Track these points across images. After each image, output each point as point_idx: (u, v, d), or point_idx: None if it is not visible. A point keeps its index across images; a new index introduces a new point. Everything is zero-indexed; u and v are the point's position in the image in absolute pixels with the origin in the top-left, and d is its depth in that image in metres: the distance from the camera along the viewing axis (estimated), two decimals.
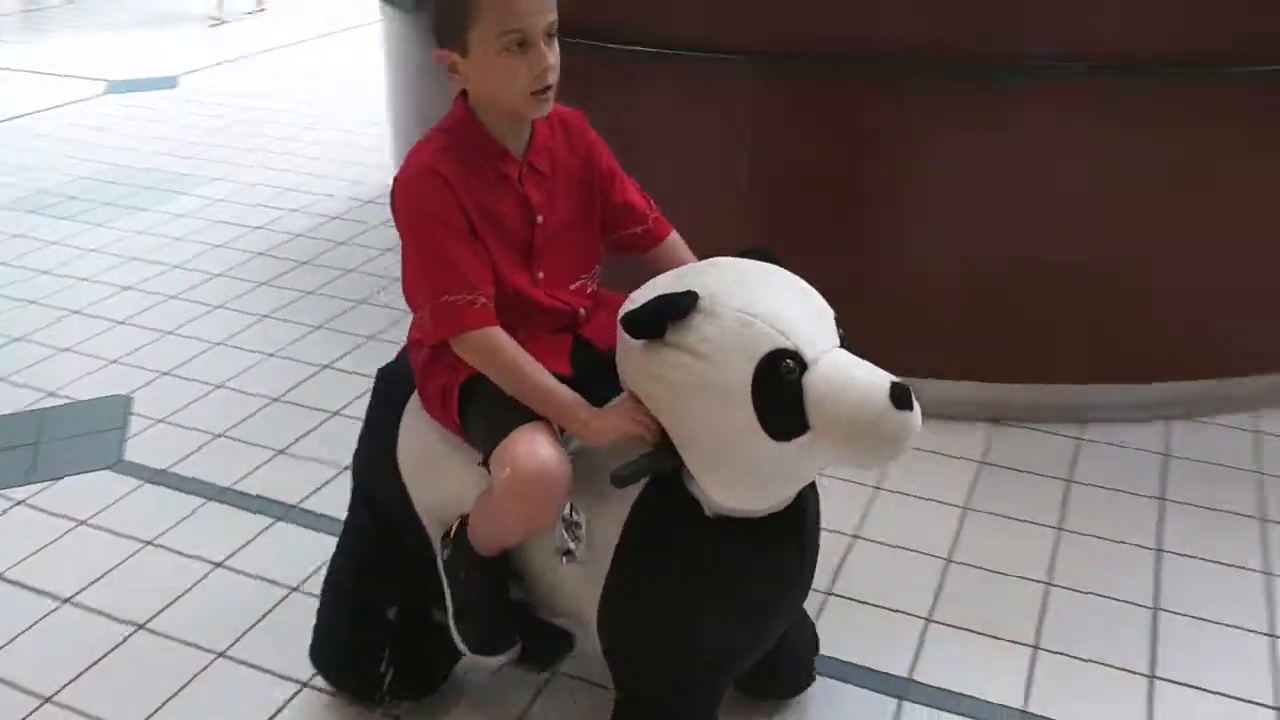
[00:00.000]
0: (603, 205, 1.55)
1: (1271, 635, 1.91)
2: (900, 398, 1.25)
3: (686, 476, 1.37)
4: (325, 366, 2.90)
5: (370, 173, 4.40)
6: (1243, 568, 2.08)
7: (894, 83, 2.35)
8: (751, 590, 1.43)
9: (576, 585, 1.48)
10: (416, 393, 1.56)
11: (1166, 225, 2.39)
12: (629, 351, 1.36)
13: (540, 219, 1.47)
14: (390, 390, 1.63)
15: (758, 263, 1.39)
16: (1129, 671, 1.83)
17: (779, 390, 1.27)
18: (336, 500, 2.05)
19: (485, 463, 1.41)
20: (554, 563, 1.46)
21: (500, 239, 1.43)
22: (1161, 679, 1.81)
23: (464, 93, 1.44)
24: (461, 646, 1.56)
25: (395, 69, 3.77)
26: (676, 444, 1.33)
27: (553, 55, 1.37)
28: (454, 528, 1.52)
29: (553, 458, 1.34)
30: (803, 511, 1.45)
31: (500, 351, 1.39)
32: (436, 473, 1.56)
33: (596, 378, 1.42)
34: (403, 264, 1.45)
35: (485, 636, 1.55)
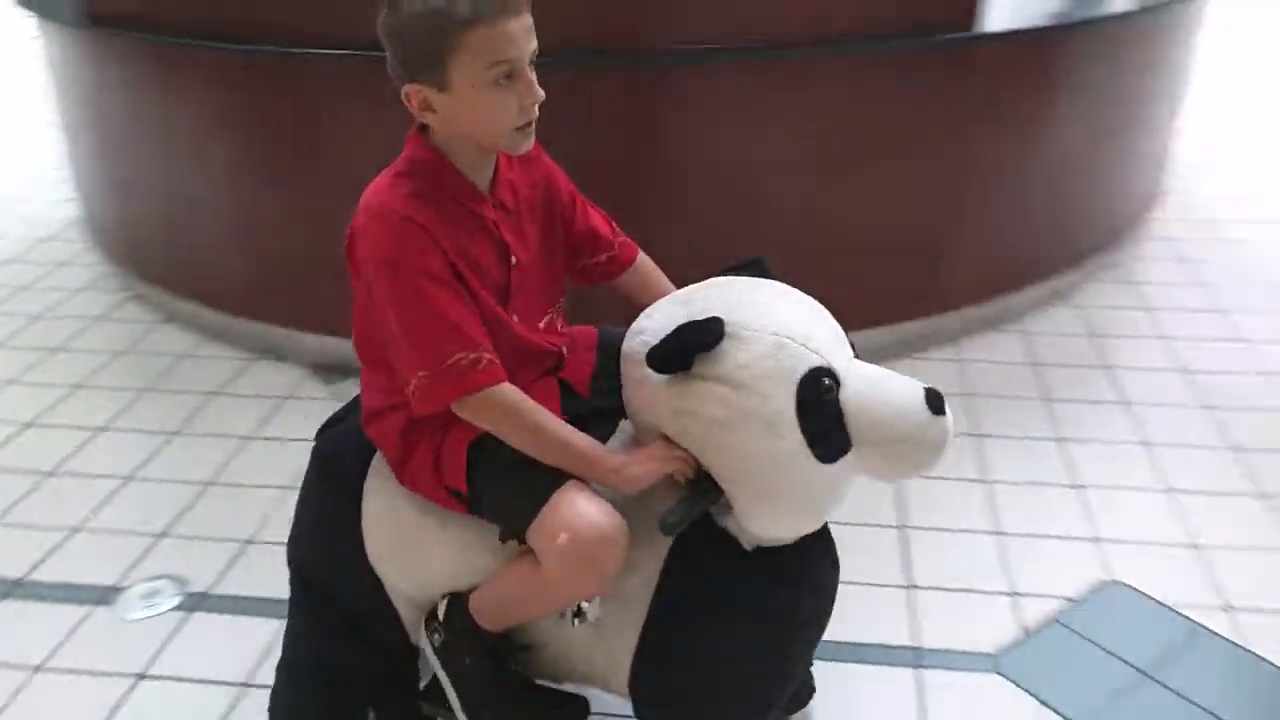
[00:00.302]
0: (566, 234, 1.43)
1: (998, 534, 2.15)
2: (935, 403, 1.20)
3: (719, 512, 1.27)
4: (28, 425, 2.57)
5: (42, 208, 3.97)
6: (963, 479, 2.33)
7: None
8: (802, 617, 1.34)
9: (590, 646, 1.36)
10: (380, 465, 1.38)
11: (833, 191, 2.59)
12: (649, 389, 1.24)
13: (514, 259, 1.33)
14: (338, 463, 1.43)
15: (760, 279, 1.30)
16: (890, 586, 2.00)
17: (822, 411, 1.20)
18: (74, 568, 1.81)
19: (512, 535, 1.28)
20: (560, 627, 1.33)
21: (483, 284, 1.28)
22: (917, 587, 2.00)
23: (421, 128, 1.28)
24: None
25: (66, 93, 3.39)
26: (720, 479, 1.23)
27: (538, 88, 1.23)
28: (441, 609, 1.36)
29: (610, 517, 1.21)
30: (825, 524, 1.36)
31: (520, 408, 1.24)
32: (418, 553, 1.38)
33: (584, 423, 1.29)
34: (385, 324, 1.25)
35: (525, 713, 1.39)
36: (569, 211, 1.43)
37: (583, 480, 1.25)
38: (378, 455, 1.41)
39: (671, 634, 1.30)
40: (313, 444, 1.49)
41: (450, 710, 1.41)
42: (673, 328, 1.22)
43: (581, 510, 1.22)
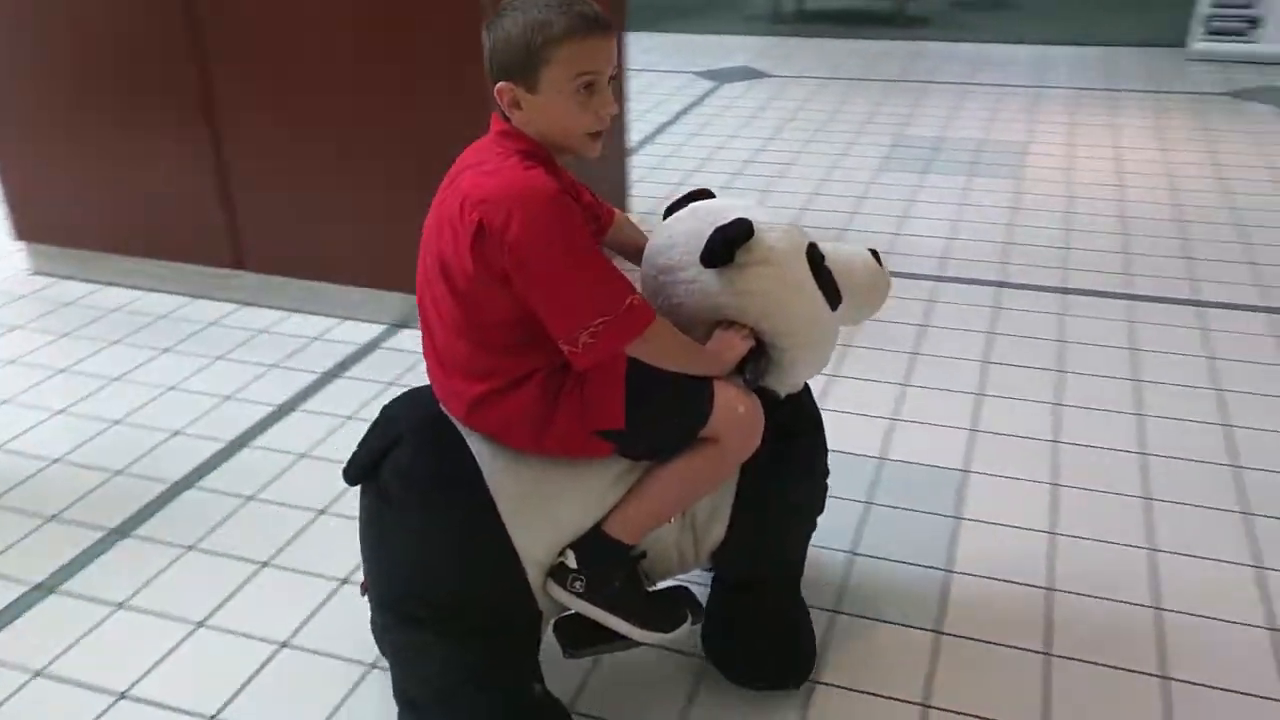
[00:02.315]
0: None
1: None
2: (878, 259, 1.70)
3: (759, 372, 1.58)
4: None
5: None
6: None
7: None
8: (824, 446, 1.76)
9: (678, 538, 1.64)
10: (489, 456, 1.48)
11: None
12: (700, 286, 1.56)
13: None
14: (444, 479, 1.48)
15: (722, 197, 1.69)
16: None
17: (823, 272, 1.60)
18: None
19: (681, 436, 1.52)
20: (658, 531, 1.60)
21: None
22: None
23: (505, 127, 1.45)
24: (658, 637, 1.60)
25: None
26: (778, 338, 1.58)
27: (614, 102, 1.43)
28: (570, 559, 1.52)
29: (748, 393, 1.56)
30: None
31: (675, 331, 1.51)
32: (557, 513, 1.52)
33: None
34: (555, 288, 1.38)
35: (669, 611, 1.63)
36: (579, 192, 1.63)
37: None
38: (478, 451, 1.49)
39: (759, 487, 1.62)
40: (374, 487, 1.52)
41: (599, 646, 1.62)
42: (699, 237, 1.54)
43: (735, 393, 1.54)
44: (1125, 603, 2.02)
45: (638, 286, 1.49)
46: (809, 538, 1.81)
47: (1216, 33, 6.17)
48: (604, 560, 1.53)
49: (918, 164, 4.61)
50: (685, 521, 1.64)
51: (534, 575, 1.52)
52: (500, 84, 1.40)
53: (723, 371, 1.54)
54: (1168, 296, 3.29)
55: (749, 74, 6.33)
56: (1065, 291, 3.36)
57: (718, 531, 1.65)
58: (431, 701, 1.53)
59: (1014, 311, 3.23)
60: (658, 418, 1.50)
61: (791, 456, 1.66)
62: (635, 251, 1.72)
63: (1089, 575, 2.10)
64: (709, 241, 1.52)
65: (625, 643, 1.61)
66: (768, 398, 1.61)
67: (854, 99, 5.70)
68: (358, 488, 1.58)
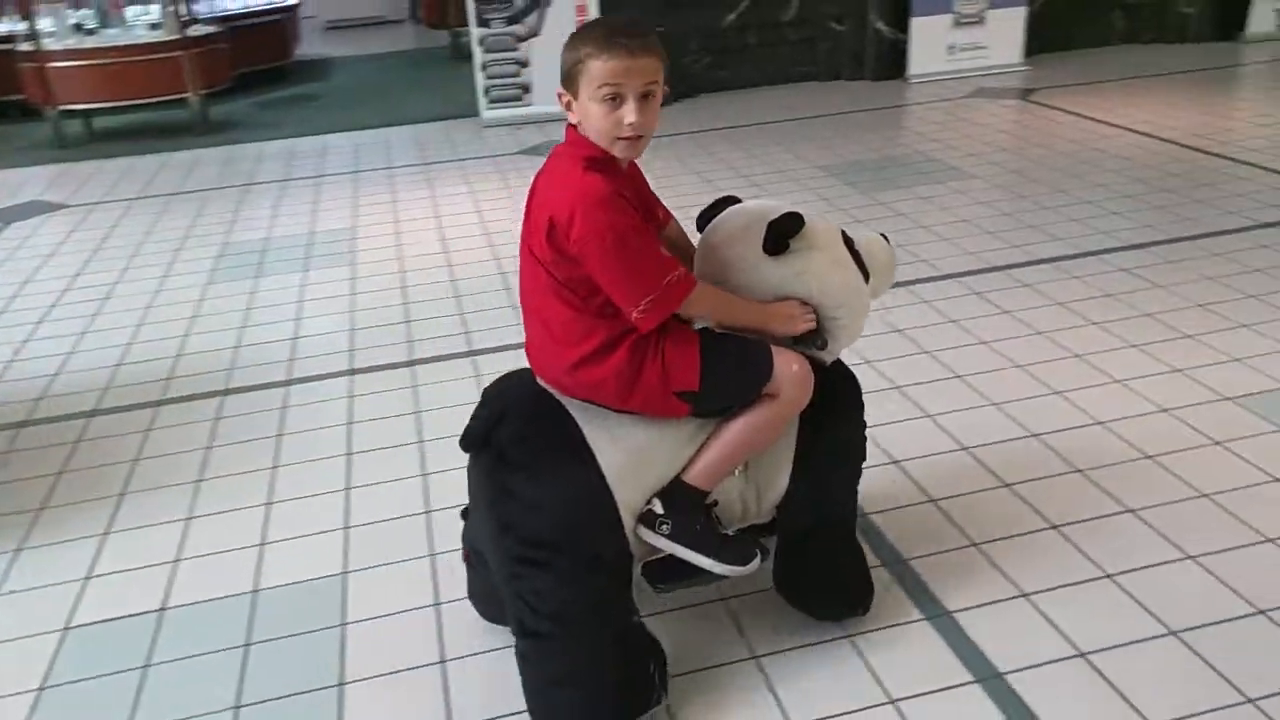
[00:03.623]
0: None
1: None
2: (887, 240, 2.05)
3: (824, 341, 1.90)
4: None
5: None
6: None
7: None
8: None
9: (743, 491, 1.93)
10: (587, 419, 1.79)
11: None
12: (761, 271, 1.85)
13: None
14: (557, 440, 1.78)
15: (753, 199, 2.00)
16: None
17: (855, 252, 1.94)
18: None
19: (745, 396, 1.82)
20: (724, 483, 1.90)
21: None
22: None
23: (573, 128, 1.75)
24: (736, 570, 1.88)
25: None
26: (831, 310, 1.88)
27: (640, 113, 1.69)
28: (657, 505, 1.82)
29: (800, 355, 1.86)
30: None
31: (716, 291, 1.83)
32: (647, 465, 1.81)
33: None
34: (611, 276, 1.69)
35: (742, 549, 1.90)
36: (653, 204, 1.96)
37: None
38: (578, 418, 1.79)
39: (816, 448, 1.93)
40: (490, 454, 1.79)
41: (682, 581, 1.93)
42: (755, 232, 1.84)
43: (790, 355, 1.83)
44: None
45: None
46: (858, 484, 2.09)
47: (498, 101, 6.96)
48: (685, 506, 1.83)
49: (250, 269, 4.45)
50: (748, 477, 1.93)
51: (628, 521, 1.81)
52: (560, 89, 1.74)
53: (770, 323, 1.85)
54: (506, 345, 3.55)
55: (42, 208, 5.61)
56: (413, 364, 3.46)
57: (781, 484, 1.94)
58: (553, 632, 1.78)
59: (369, 396, 3.24)
60: (726, 379, 1.81)
61: (837, 410, 1.96)
62: (684, 255, 1.96)
63: (484, 634, 2.14)
64: (768, 233, 1.83)
65: (705, 577, 1.91)
66: (815, 363, 1.88)
67: (171, 214, 5.35)
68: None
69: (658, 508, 1.82)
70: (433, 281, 4.19)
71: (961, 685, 1.96)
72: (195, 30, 7.44)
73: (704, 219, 1.99)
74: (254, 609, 2.28)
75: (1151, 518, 2.39)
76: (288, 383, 3.36)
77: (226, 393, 3.32)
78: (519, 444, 1.77)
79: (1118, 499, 2.47)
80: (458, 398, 3.16)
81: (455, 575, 2.32)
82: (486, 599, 2.08)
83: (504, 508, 1.77)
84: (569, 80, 1.71)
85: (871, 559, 2.29)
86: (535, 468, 1.76)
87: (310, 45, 10.80)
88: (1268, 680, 1.92)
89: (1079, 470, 2.59)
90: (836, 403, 1.96)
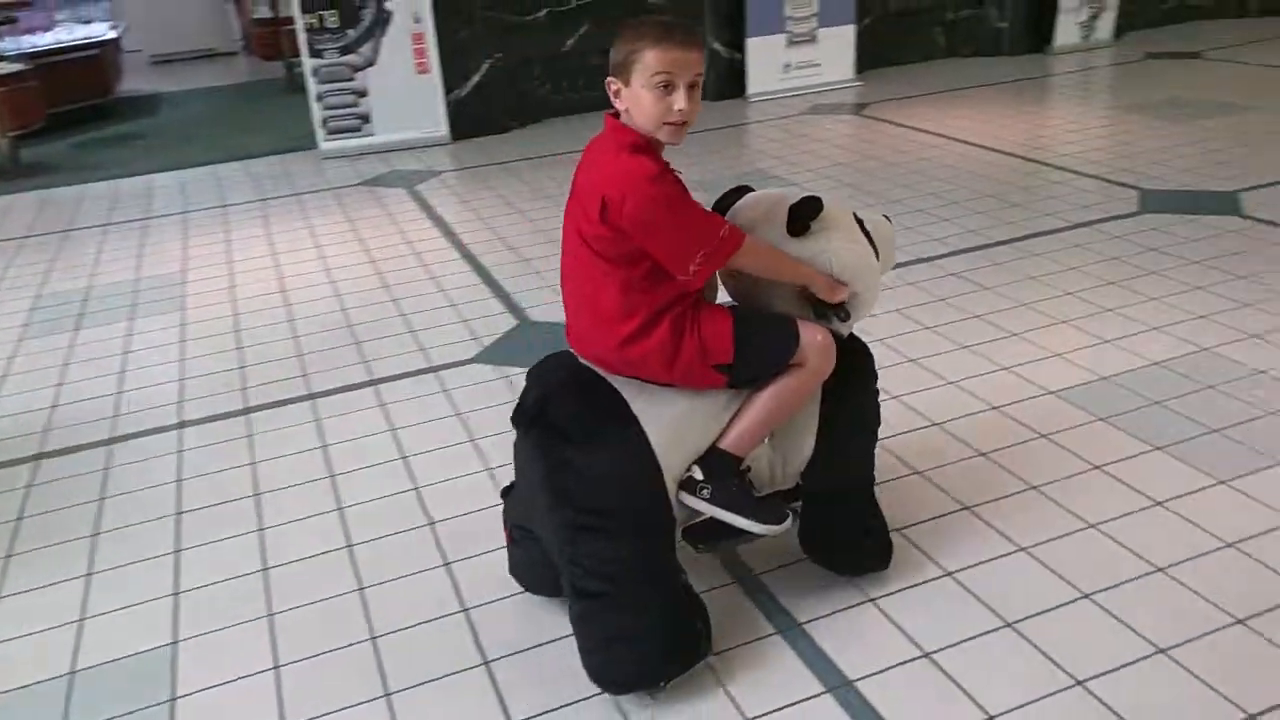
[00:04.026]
0: None
1: None
2: (889, 220, 2.20)
3: (848, 314, 2.04)
4: None
5: None
6: None
7: None
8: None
9: (769, 459, 2.08)
10: (632, 392, 1.94)
11: None
12: (784, 251, 2.00)
13: None
14: (605, 416, 1.93)
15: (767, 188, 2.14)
16: None
17: (867, 233, 2.08)
18: None
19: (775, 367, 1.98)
20: (753, 455, 2.05)
21: None
22: None
23: (616, 115, 1.93)
24: (771, 529, 2.02)
25: None
26: (851, 285, 2.02)
27: (689, 101, 1.85)
28: (697, 471, 1.97)
29: (822, 326, 2.03)
30: None
31: (764, 244, 1.99)
32: (688, 434, 1.96)
33: None
34: (665, 239, 1.86)
35: (775, 510, 2.04)
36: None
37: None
38: (622, 389, 1.94)
39: (836, 410, 2.07)
40: (542, 429, 1.92)
41: (722, 542, 2.14)
42: (778, 217, 2.01)
43: (814, 326, 1.99)
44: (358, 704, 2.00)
45: None
46: (874, 449, 2.25)
47: (336, 132, 6.77)
48: (723, 471, 1.98)
49: (69, 320, 4.17)
50: (775, 445, 2.08)
51: (671, 487, 1.96)
52: (610, 79, 1.88)
53: (814, 282, 1.99)
54: (349, 384, 3.43)
55: None
56: (248, 412, 3.29)
57: (806, 451, 2.09)
58: (608, 592, 1.91)
59: (200, 450, 3.06)
60: (758, 351, 1.96)
61: (854, 380, 2.11)
62: None
63: (323, 691, 2.04)
64: (791, 216, 1.99)
65: (742, 538, 2.07)
66: (834, 336, 2.02)
67: None
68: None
69: (697, 474, 1.98)
70: (269, 324, 4.02)
71: (814, 697, 1.97)
72: (1, 68, 6.97)
73: (719, 209, 2.11)
74: (71, 691, 2.10)
75: (986, 514, 2.48)
76: (110, 441, 3.14)
77: (40, 457, 3.08)
78: (574, 418, 1.92)
79: (955, 497, 2.56)
80: (298, 444, 3.03)
81: (293, 635, 2.21)
82: (530, 572, 2.23)
83: (560, 478, 1.90)
84: (622, 69, 1.87)
85: (726, 578, 2.30)
86: (590, 439, 1.90)
87: (135, 81, 10.30)
88: (1095, 661, 2.01)
89: (918, 472, 2.67)
90: (854, 373, 2.12)
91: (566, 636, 2.07)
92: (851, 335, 2.14)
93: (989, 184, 5.16)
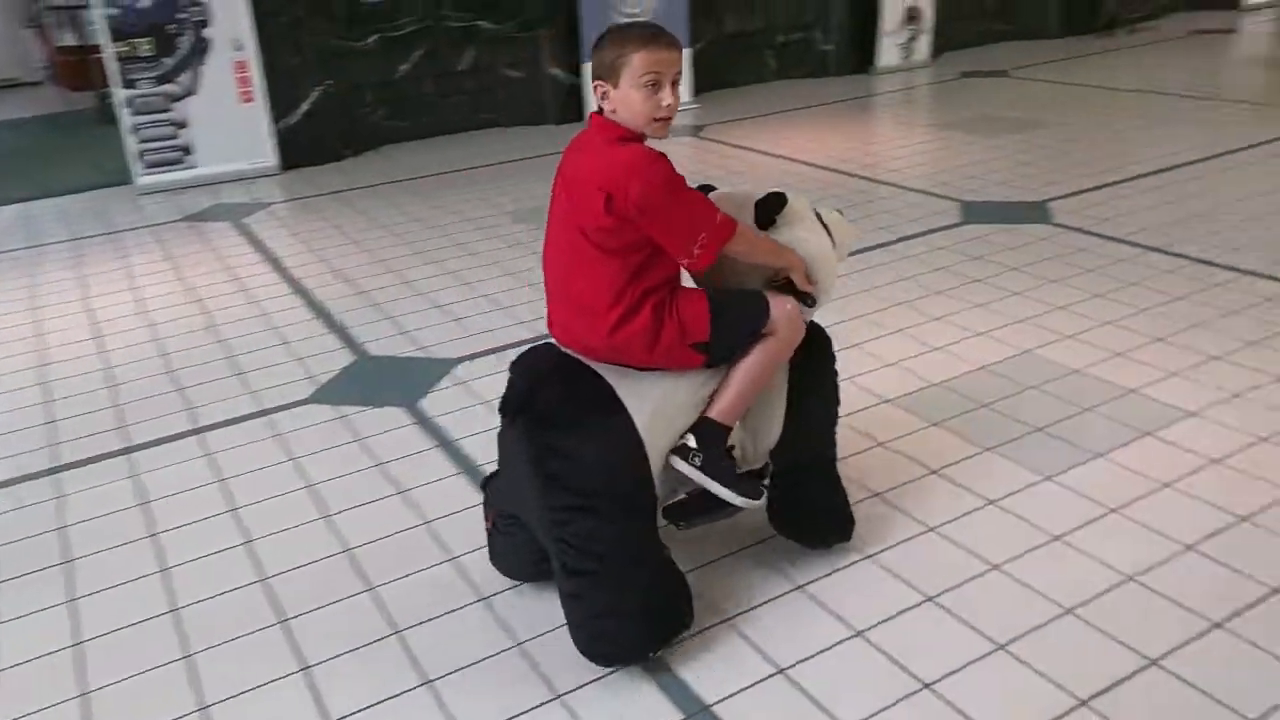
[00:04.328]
0: None
1: None
2: (842, 214, 2.35)
3: (814, 299, 2.23)
4: None
5: None
6: None
7: None
8: None
9: (744, 439, 2.24)
10: (615, 378, 2.05)
11: None
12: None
13: None
14: (589, 405, 2.02)
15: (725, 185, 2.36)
16: None
17: (822, 221, 2.25)
18: None
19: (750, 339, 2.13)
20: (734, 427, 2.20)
21: None
22: None
23: (599, 112, 2.06)
24: (750, 503, 2.16)
25: None
26: (812, 275, 2.20)
27: (673, 96, 2.00)
28: (690, 440, 2.10)
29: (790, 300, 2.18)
30: None
31: (751, 231, 2.14)
32: (670, 412, 2.08)
33: None
34: (670, 222, 1.99)
35: (754, 486, 2.19)
36: None
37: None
38: (605, 375, 2.06)
39: (802, 387, 2.25)
40: (531, 417, 2.02)
41: (701, 518, 2.22)
42: (746, 210, 2.17)
43: (782, 299, 2.14)
44: None
45: None
46: (836, 425, 2.39)
47: (155, 165, 6.40)
48: (713, 439, 2.10)
49: None
50: (746, 426, 2.21)
51: (656, 468, 2.06)
52: (596, 81, 2.04)
53: (792, 265, 2.15)
54: (169, 435, 3.20)
55: None
56: (55, 471, 3.03)
57: (775, 430, 2.24)
58: (598, 569, 2.01)
59: (2, 517, 2.79)
60: (732, 325, 2.09)
61: (817, 356, 2.30)
62: None
63: None
64: (758, 210, 2.17)
65: (722, 513, 2.17)
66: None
67: None
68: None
69: (691, 442, 2.10)
70: (81, 373, 3.73)
71: None
72: None
73: None
74: None
75: None
76: None
77: None
78: (561, 405, 2.01)
79: None
80: (114, 503, 2.80)
81: (112, 714, 2.03)
82: (514, 558, 2.31)
83: (549, 463, 1.98)
84: (610, 72, 2.00)
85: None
86: (577, 424, 2.00)
87: None
88: (940, 662, 2.05)
89: None
90: (818, 351, 2.30)
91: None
92: (812, 320, 2.28)
93: (824, 200, 5.33)
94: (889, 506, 2.58)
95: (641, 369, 2.07)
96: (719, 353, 2.11)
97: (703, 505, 2.17)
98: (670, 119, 2.03)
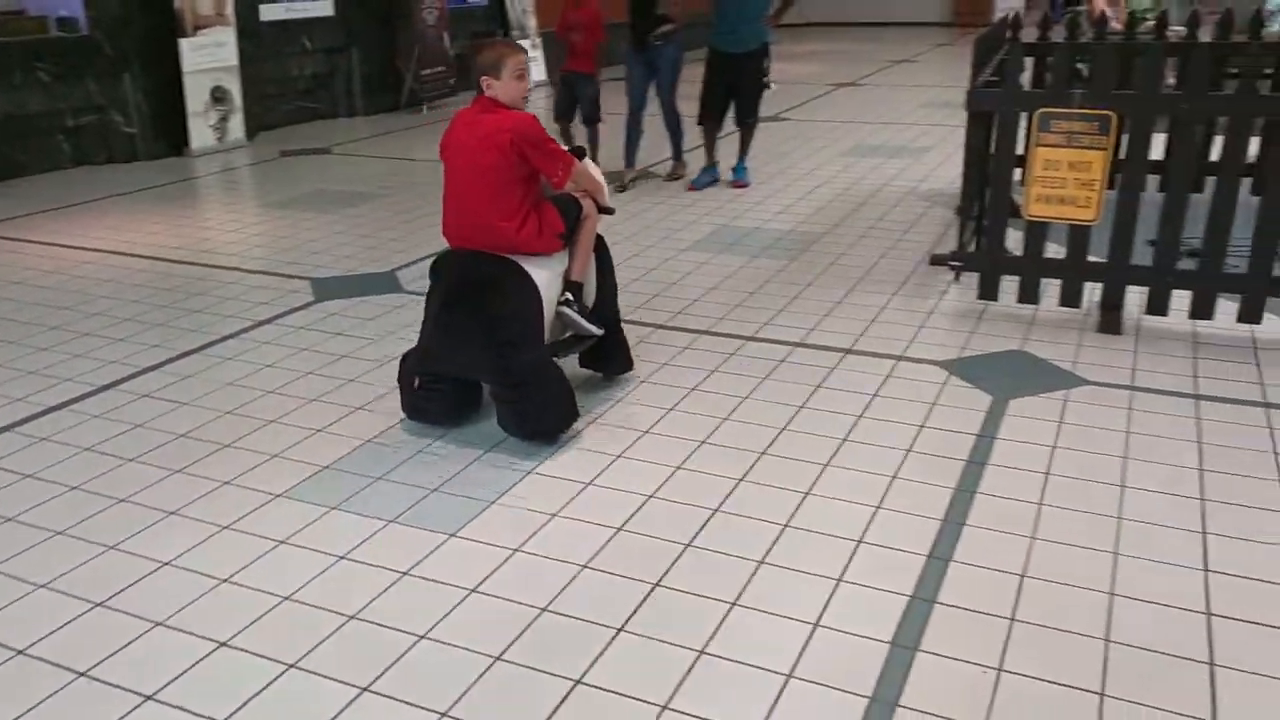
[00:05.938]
0: None
1: None
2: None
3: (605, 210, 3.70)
4: None
5: None
6: None
7: None
8: None
9: (583, 299, 3.61)
10: (523, 264, 3.30)
11: None
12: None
13: None
14: (510, 280, 3.26)
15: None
16: None
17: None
18: None
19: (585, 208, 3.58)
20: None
21: None
22: None
23: (486, 96, 3.34)
24: (599, 331, 3.55)
25: None
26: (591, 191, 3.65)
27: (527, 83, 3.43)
28: (567, 294, 3.46)
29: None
30: None
31: (586, 165, 3.59)
32: (553, 282, 3.41)
33: None
34: (547, 155, 3.31)
35: (599, 321, 3.57)
36: None
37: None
38: (516, 263, 3.29)
39: (602, 273, 3.70)
40: (466, 293, 3.26)
41: (568, 349, 3.54)
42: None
43: (579, 196, 3.53)
44: None
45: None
46: (617, 299, 3.81)
47: None
48: (578, 292, 3.50)
49: None
50: (585, 293, 3.56)
51: (548, 316, 3.37)
52: (483, 76, 3.32)
53: (599, 189, 3.63)
54: None
55: None
56: None
57: (593, 294, 3.63)
58: (529, 380, 3.22)
59: None
60: (568, 215, 3.43)
61: (601, 257, 3.69)
62: None
63: None
64: (571, 153, 3.52)
65: (582, 343, 3.57)
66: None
67: None
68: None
69: (569, 297, 3.45)
70: None
71: None
72: None
73: None
74: None
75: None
76: None
77: None
78: (496, 280, 3.24)
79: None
80: None
81: None
82: (436, 405, 3.40)
83: (490, 322, 3.20)
84: (494, 68, 3.29)
85: None
86: (509, 291, 3.24)
87: None
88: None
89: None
90: (602, 253, 3.68)
91: None
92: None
93: (161, 294, 4.90)
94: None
95: (532, 255, 3.32)
96: (568, 235, 3.44)
97: (567, 343, 3.53)
98: (527, 97, 3.49)
